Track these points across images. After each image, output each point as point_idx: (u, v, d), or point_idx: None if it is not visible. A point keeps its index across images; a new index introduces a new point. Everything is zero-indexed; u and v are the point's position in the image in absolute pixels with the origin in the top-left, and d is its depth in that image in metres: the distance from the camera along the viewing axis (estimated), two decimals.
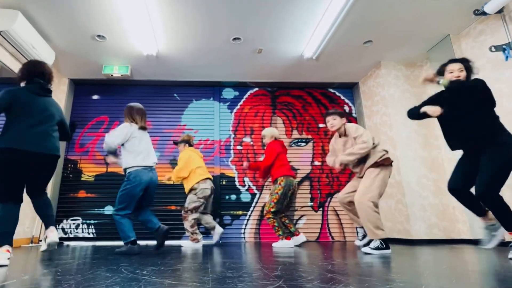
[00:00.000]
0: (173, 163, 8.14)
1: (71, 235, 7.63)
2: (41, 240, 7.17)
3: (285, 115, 8.92)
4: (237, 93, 9.06)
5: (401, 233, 7.05)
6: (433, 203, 6.93)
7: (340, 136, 5.40)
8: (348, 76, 8.73)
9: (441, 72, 4.28)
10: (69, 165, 8.14)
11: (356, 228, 8.02)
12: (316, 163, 8.60)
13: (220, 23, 6.35)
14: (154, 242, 7.37)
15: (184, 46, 7.13)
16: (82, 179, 8.07)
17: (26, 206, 6.71)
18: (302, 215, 8.15)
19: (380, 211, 7.65)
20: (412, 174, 7.09)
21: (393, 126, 7.41)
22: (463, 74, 4.11)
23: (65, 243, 7.41)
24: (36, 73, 4.16)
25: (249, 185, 8.28)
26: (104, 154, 6.28)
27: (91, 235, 7.65)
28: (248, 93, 9.08)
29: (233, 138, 8.65)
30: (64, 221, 7.71)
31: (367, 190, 4.90)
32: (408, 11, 6.04)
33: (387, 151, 5.13)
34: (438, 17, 6.20)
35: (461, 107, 3.96)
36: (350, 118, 8.98)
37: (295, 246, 6.15)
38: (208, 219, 6.75)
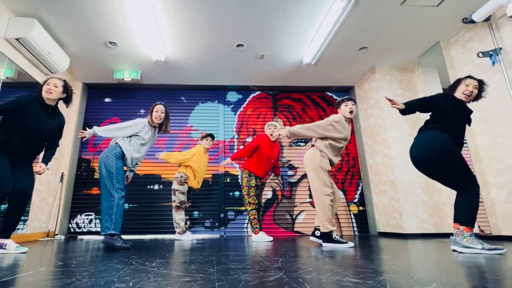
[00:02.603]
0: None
1: (85, 230, 7.64)
2: (57, 234, 7.18)
3: (285, 117, 8.91)
4: (240, 96, 9.06)
5: (394, 227, 7.05)
6: (424, 200, 6.93)
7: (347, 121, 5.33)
8: (345, 80, 8.72)
9: (456, 83, 4.33)
10: (83, 164, 8.15)
11: (352, 222, 8.06)
12: None
13: (225, 31, 6.36)
14: (163, 236, 7.41)
15: (190, 52, 7.13)
16: (95, 177, 8.08)
17: (42, 202, 6.74)
18: (301, 211, 8.16)
19: (375, 207, 7.69)
20: (405, 173, 7.08)
21: (387, 128, 7.40)
22: (475, 92, 4.21)
23: (79, 237, 7.45)
24: None
25: None
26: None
27: None
28: (251, 96, 9.08)
29: (237, 138, 8.65)
30: (78, 216, 7.73)
31: None
32: (401, 20, 6.04)
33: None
34: (429, 25, 6.20)
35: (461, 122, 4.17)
36: None
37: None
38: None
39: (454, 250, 3.89)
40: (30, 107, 4.01)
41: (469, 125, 4.22)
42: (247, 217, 7.81)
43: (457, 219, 3.87)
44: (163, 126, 5.32)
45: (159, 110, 5.22)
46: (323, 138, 5.10)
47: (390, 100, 4.22)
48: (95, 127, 4.86)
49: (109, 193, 4.60)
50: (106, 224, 4.48)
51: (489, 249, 3.60)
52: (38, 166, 4.18)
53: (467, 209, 3.79)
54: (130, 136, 5.04)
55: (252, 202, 6.23)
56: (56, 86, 4.21)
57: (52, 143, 4.48)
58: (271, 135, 6.53)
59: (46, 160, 4.35)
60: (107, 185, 4.64)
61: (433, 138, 4.03)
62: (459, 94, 4.21)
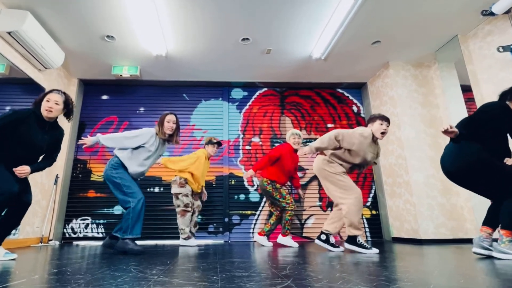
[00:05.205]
0: None
1: (81, 235, 7.65)
2: (51, 240, 7.20)
3: (293, 115, 8.92)
4: (246, 93, 9.07)
5: (409, 232, 7.03)
6: (441, 203, 6.91)
7: (373, 141, 5.17)
8: (357, 76, 8.72)
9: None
10: (79, 165, 8.17)
11: (365, 227, 8.05)
12: None
13: (229, 24, 6.36)
14: (164, 242, 7.42)
15: (193, 47, 7.14)
16: (91, 179, 8.09)
17: (36, 205, 6.75)
18: (311, 215, 8.14)
19: (389, 211, 7.67)
20: (420, 173, 7.06)
21: (401, 126, 7.39)
22: None
23: (75, 242, 7.46)
24: None
25: (257, 185, 8.26)
26: None
27: (100, 235, 7.66)
28: (257, 93, 9.08)
29: (242, 138, 8.66)
30: (74, 220, 7.74)
31: None
32: (416, 12, 6.02)
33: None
34: (446, 17, 6.18)
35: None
36: (359, 118, 8.99)
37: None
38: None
39: (475, 253, 3.94)
40: (26, 123, 3.96)
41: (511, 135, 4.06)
42: (253, 222, 7.87)
43: (502, 221, 3.81)
44: (173, 137, 5.28)
45: (170, 121, 5.18)
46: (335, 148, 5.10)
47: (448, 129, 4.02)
48: (98, 135, 4.90)
49: (124, 201, 4.75)
50: (123, 229, 4.66)
51: None
52: (21, 166, 4.06)
53: (509, 211, 3.71)
54: (136, 148, 5.06)
55: (290, 202, 6.27)
56: (57, 104, 4.13)
57: (50, 156, 4.44)
58: (294, 144, 6.58)
59: (35, 166, 4.19)
60: (119, 196, 4.81)
61: (463, 150, 3.92)
62: None
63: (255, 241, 7.45)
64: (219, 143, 6.99)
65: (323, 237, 5.18)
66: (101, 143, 4.88)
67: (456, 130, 3.85)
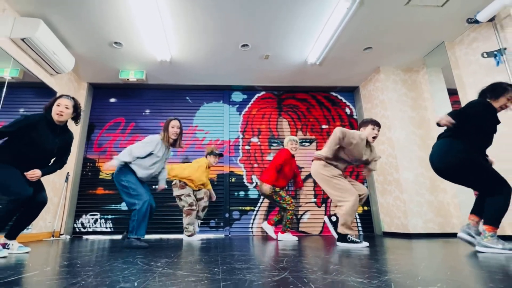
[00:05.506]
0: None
1: (90, 229, 7.66)
2: (62, 234, 7.20)
3: (290, 117, 8.92)
4: (245, 96, 9.07)
5: (399, 227, 7.04)
6: (429, 200, 6.92)
7: (367, 144, 5.22)
8: (350, 80, 8.71)
9: (502, 92, 4.02)
10: (88, 163, 8.17)
11: (357, 222, 8.05)
12: None
13: (230, 31, 6.36)
14: (168, 236, 7.42)
15: (195, 53, 7.14)
16: (100, 176, 8.10)
17: (48, 202, 6.74)
18: (306, 211, 8.15)
19: (380, 207, 7.67)
20: (409, 172, 7.07)
21: (392, 127, 7.40)
22: None
23: (84, 237, 7.47)
24: None
25: (256, 183, 8.28)
26: None
27: (108, 229, 7.68)
28: (256, 96, 9.08)
29: (242, 138, 8.66)
30: (84, 216, 7.75)
31: None
32: (405, 20, 6.03)
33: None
34: (434, 25, 6.19)
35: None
36: (351, 120, 9.00)
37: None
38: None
39: (459, 237, 4.07)
40: (38, 127, 3.94)
41: (494, 133, 4.06)
42: (252, 217, 7.88)
43: (484, 217, 3.86)
44: (177, 141, 5.29)
45: (175, 126, 5.19)
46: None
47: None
48: (115, 158, 4.89)
49: (130, 203, 4.76)
50: (129, 229, 4.70)
51: (510, 249, 3.57)
52: (32, 170, 3.99)
53: (492, 208, 3.75)
54: (144, 157, 5.07)
55: (290, 203, 6.35)
56: (67, 108, 4.12)
57: (60, 159, 4.42)
58: (291, 149, 6.64)
59: (45, 170, 4.16)
60: (125, 198, 4.82)
61: (451, 149, 3.93)
62: (499, 103, 4.00)
63: (261, 227, 7.51)
64: (220, 155, 7.02)
65: (334, 218, 5.19)
66: (121, 161, 4.85)
67: (452, 120, 3.83)
